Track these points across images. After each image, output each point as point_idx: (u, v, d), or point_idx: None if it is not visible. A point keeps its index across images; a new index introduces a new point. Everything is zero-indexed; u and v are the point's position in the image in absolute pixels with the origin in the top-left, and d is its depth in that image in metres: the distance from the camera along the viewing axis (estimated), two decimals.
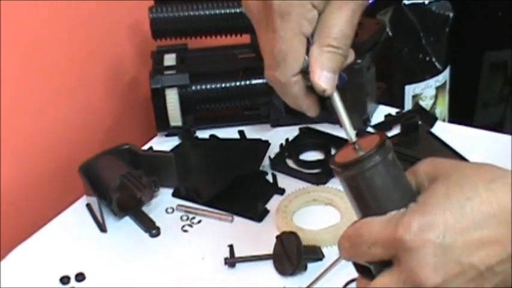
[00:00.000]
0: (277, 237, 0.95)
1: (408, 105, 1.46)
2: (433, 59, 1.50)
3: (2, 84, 1.05)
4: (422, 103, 1.46)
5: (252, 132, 1.19)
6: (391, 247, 0.63)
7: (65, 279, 0.96)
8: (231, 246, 0.97)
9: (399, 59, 1.49)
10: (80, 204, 1.09)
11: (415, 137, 1.12)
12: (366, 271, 0.68)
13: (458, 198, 0.62)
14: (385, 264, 0.65)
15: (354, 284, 0.91)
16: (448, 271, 0.61)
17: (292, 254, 0.92)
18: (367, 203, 0.67)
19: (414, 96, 1.50)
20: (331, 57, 0.70)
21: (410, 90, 1.49)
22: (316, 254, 0.94)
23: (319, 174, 1.09)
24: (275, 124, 1.20)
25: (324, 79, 0.70)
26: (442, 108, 1.46)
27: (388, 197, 0.66)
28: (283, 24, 0.69)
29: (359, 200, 0.68)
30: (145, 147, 1.18)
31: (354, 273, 0.91)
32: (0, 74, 1.05)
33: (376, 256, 0.65)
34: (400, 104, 1.45)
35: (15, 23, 1.06)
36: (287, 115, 1.19)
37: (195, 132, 1.20)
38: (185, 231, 1.03)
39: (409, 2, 1.46)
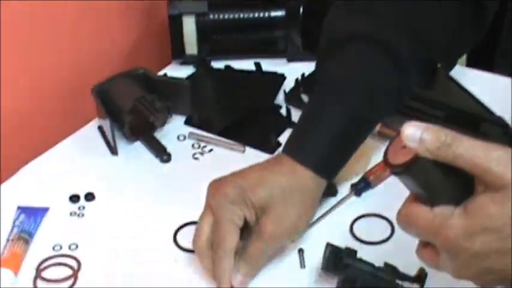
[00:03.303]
0: None
1: None
2: None
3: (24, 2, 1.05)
4: None
5: (268, 65, 1.18)
6: (432, 239, 0.68)
7: (74, 198, 0.97)
8: None
9: None
10: (92, 126, 1.09)
11: (433, 80, 1.11)
12: None
13: (502, 224, 0.65)
14: None
15: (361, 221, 0.93)
16: (478, 272, 0.67)
17: None
18: (420, 193, 0.69)
19: None
20: None
21: None
22: (330, 189, 0.94)
23: None
24: (292, 59, 1.20)
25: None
26: None
27: (438, 192, 0.68)
28: None
29: (413, 189, 0.70)
30: (161, 73, 1.17)
31: (362, 211, 0.93)
32: None
33: (421, 238, 0.70)
34: None
35: None
36: (304, 51, 1.18)
37: (210, 62, 1.19)
38: (196, 158, 1.03)
39: None
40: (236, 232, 0.85)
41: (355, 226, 0.92)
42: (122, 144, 1.05)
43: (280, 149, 0.90)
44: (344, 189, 0.96)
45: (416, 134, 0.65)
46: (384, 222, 0.92)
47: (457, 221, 0.66)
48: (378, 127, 1.03)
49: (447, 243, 0.66)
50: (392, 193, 0.94)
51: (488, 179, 0.65)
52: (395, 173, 0.69)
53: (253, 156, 1.03)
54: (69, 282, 0.86)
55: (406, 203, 0.71)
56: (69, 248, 0.90)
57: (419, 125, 0.66)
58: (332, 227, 0.92)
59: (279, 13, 1.17)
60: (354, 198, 0.95)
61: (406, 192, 0.87)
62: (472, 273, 0.67)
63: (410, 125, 0.66)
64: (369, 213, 0.93)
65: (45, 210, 0.94)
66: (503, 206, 0.64)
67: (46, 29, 1.11)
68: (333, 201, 0.94)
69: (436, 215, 0.67)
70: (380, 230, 0.91)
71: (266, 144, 1.04)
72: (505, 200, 0.64)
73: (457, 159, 0.65)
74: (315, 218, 0.91)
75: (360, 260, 0.81)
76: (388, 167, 0.69)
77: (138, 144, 1.06)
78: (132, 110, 1.02)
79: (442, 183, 0.68)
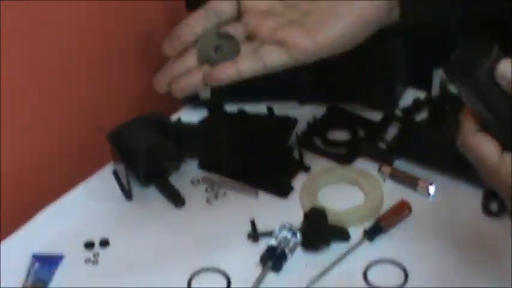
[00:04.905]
0: (305, 213, 0.95)
1: (436, 88, 1.45)
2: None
3: (36, 52, 1.06)
4: (450, 87, 1.45)
5: (280, 108, 1.19)
6: (493, 181, 0.70)
7: (89, 245, 0.97)
8: (252, 222, 0.98)
9: (428, 42, 1.48)
10: (107, 171, 1.09)
11: (443, 122, 1.12)
12: None
13: None
14: None
15: (374, 267, 0.93)
16: None
17: (318, 228, 0.93)
18: (482, 113, 0.71)
19: (442, 80, 1.48)
20: None
21: (438, 73, 1.48)
22: (342, 234, 0.95)
23: (345, 154, 1.09)
24: (303, 102, 1.20)
25: None
26: None
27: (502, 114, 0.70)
28: None
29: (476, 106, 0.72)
30: (174, 117, 1.18)
31: (375, 256, 0.93)
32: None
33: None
34: (427, 86, 1.44)
35: None
36: (316, 94, 1.19)
37: (223, 105, 1.20)
38: (210, 203, 1.04)
39: None
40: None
41: (368, 272, 0.92)
42: (136, 189, 1.06)
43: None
44: (356, 234, 0.96)
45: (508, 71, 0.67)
46: (398, 268, 0.92)
47: None
48: (389, 169, 1.04)
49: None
50: (405, 238, 0.96)
51: None
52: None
53: (266, 200, 1.04)
54: None
55: (470, 129, 0.71)
56: None
57: None
58: (345, 273, 0.92)
59: None
60: (366, 243, 0.96)
61: (419, 237, 0.89)
62: None
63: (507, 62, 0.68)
64: (382, 259, 0.93)
65: (60, 258, 0.95)
66: None
67: (59, 72, 1.12)
68: (345, 246, 0.95)
69: (504, 163, 0.68)
70: (394, 276, 0.91)
71: (279, 187, 1.05)
72: None
73: None
74: (328, 263, 0.92)
75: None
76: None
77: (152, 188, 1.07)
78: (146, 156, 1.03)
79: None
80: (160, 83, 0.80)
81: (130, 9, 1.22)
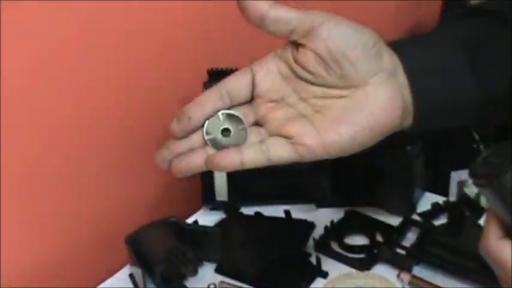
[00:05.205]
0: None
1: (453, 191, 1.45)
2: (480, 146, 1.50)
3: (55, 156, 1.07)
4: (467, 190, 1.45)
5: (297, 211, 1.19)
6: None
7: None
8: None
9: (446, 146, 1.49)
10: (123, 273, 1.09)
11: (462, 228, 1.11)
12: None
13: None
14: None
15: None
16: None
17: None
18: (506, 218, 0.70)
19: (460, 183, 1.48)
20: None
21: (455, 176, 1.48)
22: None
23: (364, 260, 1.08)
24: (321, 205, 1.20)
25: None
26: None
27: None
28: None
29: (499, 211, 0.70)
30: (191, 219, 1.18)
31: None
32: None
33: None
34: (445, 189, 1.44)
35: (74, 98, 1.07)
36: (333, 197, 1.19)
37: (240, 208, 1.20)
38: None
39: None
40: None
41: None
42: None
43: None
44: None
45: None
46: None
47: None
48: (408, 277, 1.03)
49: None
50: None
51: None
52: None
53: None
54: None
55: (493, 234, 0.71)
56: None
57: None
58: None
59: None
60: None
61: None
62: None
63: None
64: None
65: None
66: None
67: (73, 173, 1.12)
68: None
69: None
70: None
71: None
72: None
73: None
74: None
75: None
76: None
77: None
78: (163, 261, 1.03)
79: None
80: (162, 159, 0.78)
81: (150, 115, 1.23)
